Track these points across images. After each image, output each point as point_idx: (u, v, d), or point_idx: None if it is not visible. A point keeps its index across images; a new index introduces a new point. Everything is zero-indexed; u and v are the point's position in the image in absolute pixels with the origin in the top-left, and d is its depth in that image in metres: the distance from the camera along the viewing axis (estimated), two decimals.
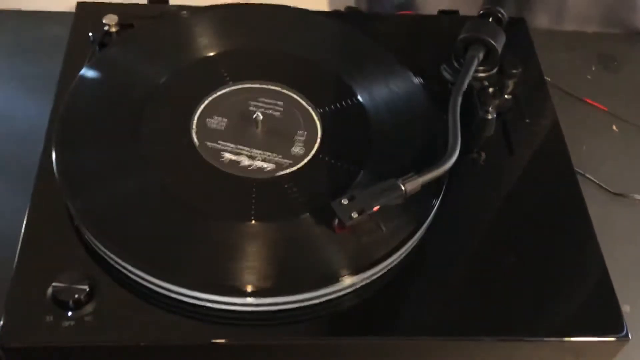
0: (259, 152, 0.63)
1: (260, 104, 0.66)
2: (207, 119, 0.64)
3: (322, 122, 0.66)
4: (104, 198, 0.58)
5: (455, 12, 0.81)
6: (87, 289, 0.53)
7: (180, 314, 0.54)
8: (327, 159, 0.63)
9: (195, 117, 0.65)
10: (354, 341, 0.56)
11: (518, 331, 0.56)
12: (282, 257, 0.56)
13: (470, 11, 0.79)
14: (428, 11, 0.92)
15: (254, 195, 0.60)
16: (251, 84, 0.68)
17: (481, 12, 0.73)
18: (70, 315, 0.53)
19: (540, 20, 0.94)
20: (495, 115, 0.67)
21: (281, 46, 0.72)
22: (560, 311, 0.58)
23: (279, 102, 0.67)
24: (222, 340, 0.54)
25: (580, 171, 0.75)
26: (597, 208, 0.66)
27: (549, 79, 0.78)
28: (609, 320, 0.57)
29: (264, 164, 0.62)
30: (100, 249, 0.55)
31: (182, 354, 0.55)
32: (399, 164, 0.61)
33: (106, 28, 0.70)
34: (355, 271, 0.55)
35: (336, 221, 0.56)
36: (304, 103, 0.67)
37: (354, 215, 0.56)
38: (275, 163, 0.62)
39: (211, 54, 0.70)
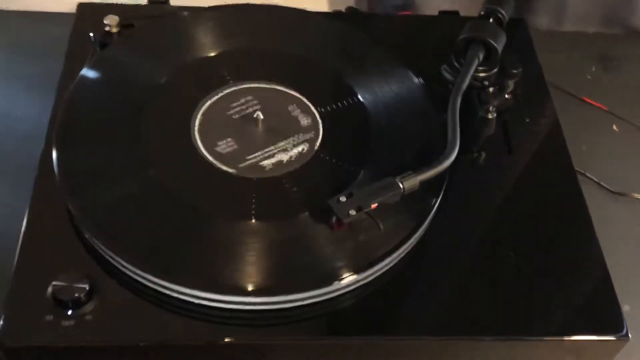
0: (273, 146, 0.63)
1: (242, 106, 0.66)
2: (215, 148, 0.63)
3: (322, 121, 0.66)
4: (104, 198, 0.58)
5: (456, 13, 0.81)
6: (87, 288, 0.53)
7: (180, 314, 0.54)
8: (327, 158, 0.63)
9: (197, 117, 0.65)
10: (353, 341, 0.56)
11: (518, 331, 0.56)
12: (281, 257, 0.56)
13: (470, 12, 0.79)
14: (428, 11, 0.92)
15: (253, 195, 0.60)
16: (250, 84, 0.68)
17: (481, 12, 0.73)
18: (70, 315, 0.53)
19: (540, 20, 0.94)
20: (495, 115, 0.67)
21: (281, 46, 0.72)
22: (560, 311, 0.58)
23: (249, 97, 0.66)
24: (222, 340, 0.54)
25: (581, 170, 0.75)
26: (597, 208, 0.66)
27: (549, 79, 0.78)
28: (609, 319, 0.57)
29: (289, 153, 0.62)
30: (100, 249, 0.55)
31: (182, 353, 0.55)
32: (400, 163, 0.61)
33: (107, 28, 0.70)
34: (355, 270, 0.55)
35: (334, 219, 0.56)
36: (306, 101, 0.67)
37: (352, 212, 0.56)
38: (301, 143, 0.63)
39: (211, 54, 0.70)
